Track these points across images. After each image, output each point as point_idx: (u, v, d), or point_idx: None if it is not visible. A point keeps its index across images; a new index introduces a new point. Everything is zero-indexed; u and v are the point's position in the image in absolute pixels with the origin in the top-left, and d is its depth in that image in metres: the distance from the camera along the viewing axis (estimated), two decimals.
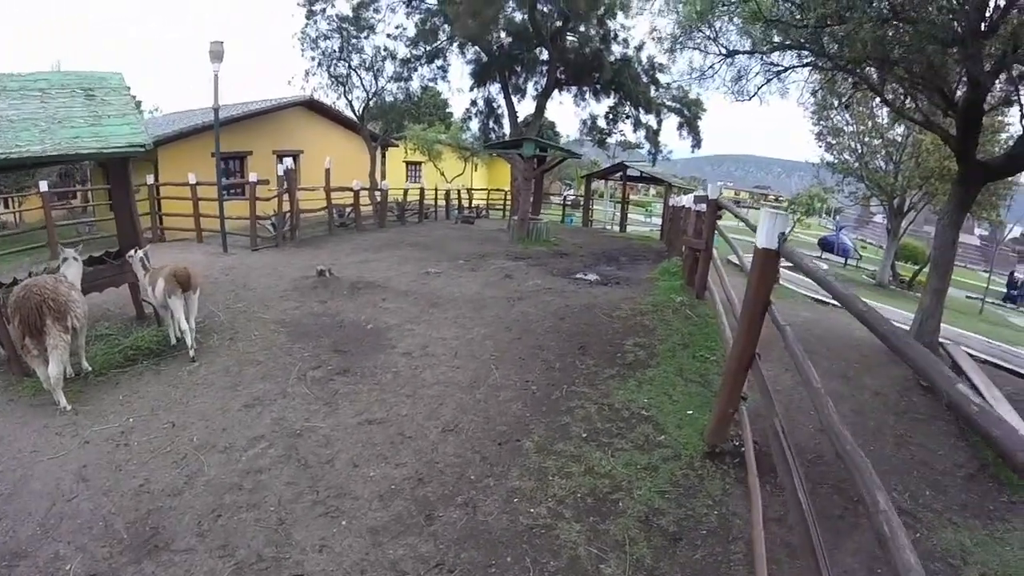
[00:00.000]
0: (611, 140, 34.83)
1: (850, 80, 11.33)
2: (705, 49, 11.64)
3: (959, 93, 9.96)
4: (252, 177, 18.78)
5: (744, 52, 11.01)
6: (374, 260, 15.98)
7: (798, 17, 9.80)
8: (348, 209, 24.36)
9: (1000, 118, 19.74)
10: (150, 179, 20.77)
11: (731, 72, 11.67)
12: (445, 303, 11.52)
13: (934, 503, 6.18)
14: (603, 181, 39.76)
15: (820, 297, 16.77)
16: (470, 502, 5.35)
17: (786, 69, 11.12)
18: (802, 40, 9.65)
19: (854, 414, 7.89)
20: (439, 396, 7.51)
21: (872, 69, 10.40)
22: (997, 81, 9.79)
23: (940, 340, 10.71)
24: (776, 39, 10.39)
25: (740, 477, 5.89)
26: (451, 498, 5.42)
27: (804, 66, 10.98)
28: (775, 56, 10.85)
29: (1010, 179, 25.00)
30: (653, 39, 24.92)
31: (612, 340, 9.44)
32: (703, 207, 11.53)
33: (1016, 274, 44.85)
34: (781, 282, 17.90)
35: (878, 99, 14.00)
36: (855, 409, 8.02)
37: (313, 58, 28.33)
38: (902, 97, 11.56)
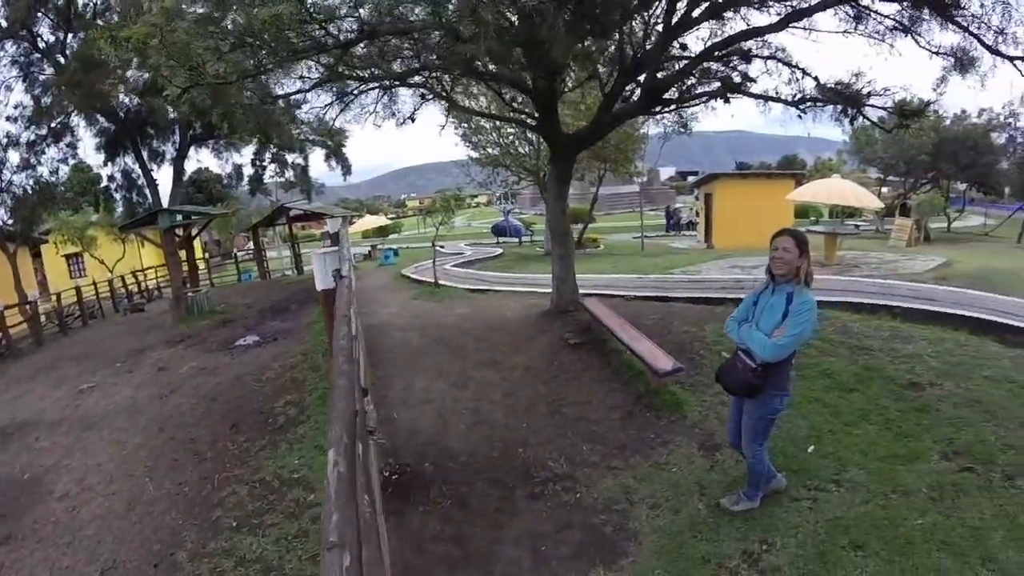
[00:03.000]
0: (269, 183, 33.40)
1: (418, 93, 11.28)
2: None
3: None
4: None
5: (289, 94, 10.52)
6: (27, 392, 13.71)
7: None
8: None
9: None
10: None
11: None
12: (99, 421, 10.22)
13: (592, 456, 6.29)
14: (273, 228, 38.11)
15: (480, 287, 17.34)
16: None
17: (345, 95, 10.79)
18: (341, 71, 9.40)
19: (505, 397, 7.94)
20: (97, 534, 6.64)
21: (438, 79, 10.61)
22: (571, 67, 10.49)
23: (584, 294, 11.25)
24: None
25: (392, 508, 5.61)
26: None
27: (364, 91, 10.70)
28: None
29: (637, 135, 27.75)
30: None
31: (263, 407, 8.93)
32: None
33: (671, 207, 50.70)
34: (441, 281, 18.33)
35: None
36: (506, 392, 8.09)
37: None
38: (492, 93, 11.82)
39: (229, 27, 7.52)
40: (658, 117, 12.89)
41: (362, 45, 8.60)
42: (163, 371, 12.71)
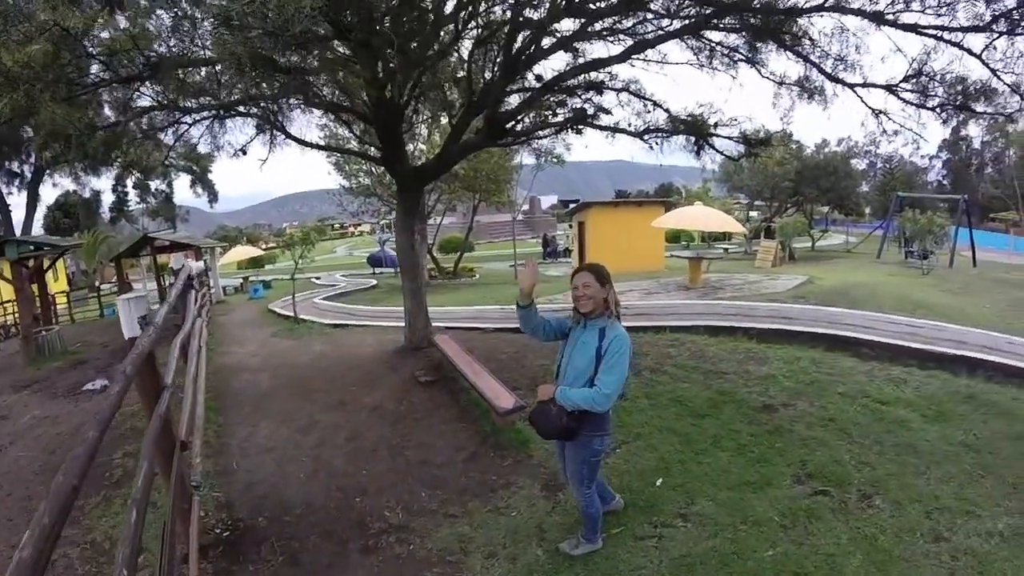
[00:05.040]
0: (135, 210, 31.72)
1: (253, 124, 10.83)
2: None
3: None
4: None
5: (108, 125, 9.77)
6: None
7: None
8: None
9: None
10: None
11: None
12: None
13: (431, 503, 5.83)
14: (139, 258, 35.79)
15: (344, 322, 16.95)
16: None
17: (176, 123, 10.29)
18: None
19: (349, 441, 7.44)
20: None
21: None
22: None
23: (445, 327, 10.96)
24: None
25: (221, 568, 5.14)
26: None
27: (197, 121, 10.17)
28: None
29: (509, 165, 27.91)
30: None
31: (100, 459, 7.98)
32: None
33: (548, 235, 51.24)
34: (306, 316, 17.65)
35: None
36: (351, 436, 7.58)
37: None
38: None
39: None
40: (533, 147, 12.83)
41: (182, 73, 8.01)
42: (5, 420, 11.64)
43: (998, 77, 7.27)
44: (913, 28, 7.18)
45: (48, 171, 27.09)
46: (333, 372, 10.35)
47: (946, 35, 7.18)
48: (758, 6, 7.82)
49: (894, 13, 7.16)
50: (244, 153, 10.52)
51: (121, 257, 31.46)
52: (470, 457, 6.66)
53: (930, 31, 7.20)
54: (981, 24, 6.91)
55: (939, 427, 6.56)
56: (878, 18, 7.19)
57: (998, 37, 6.94)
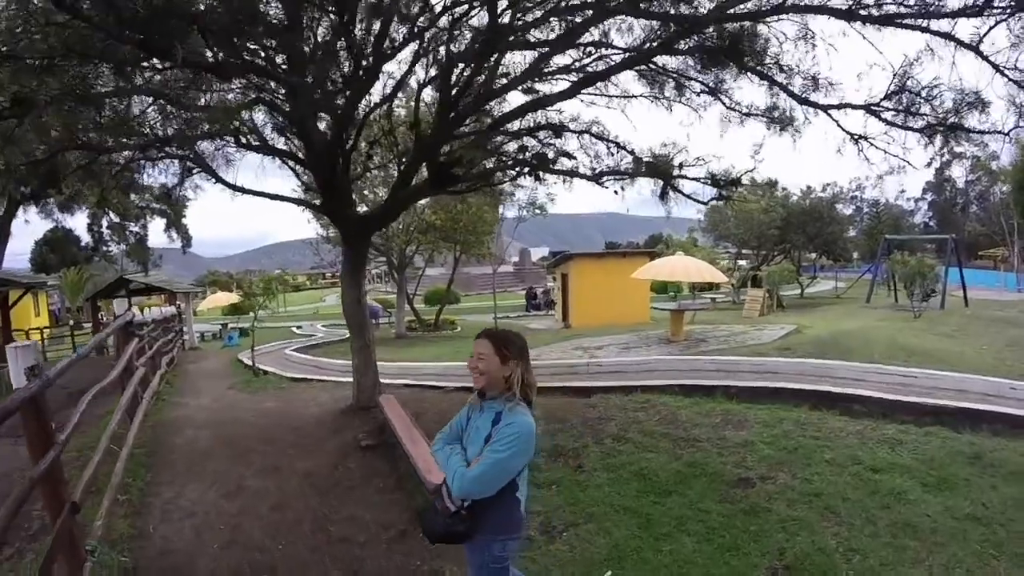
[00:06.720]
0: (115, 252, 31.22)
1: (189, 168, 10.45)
2: None
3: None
4: None
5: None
6: None
7: None
8: None
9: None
10: None
11: None
12: None
13: None
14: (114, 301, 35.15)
15: (306, 376, 16.35)
16: None
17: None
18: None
19: (273, 511, 6.70)
20: None
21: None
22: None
23: (405, 385, 10.50)
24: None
25: None
26: None
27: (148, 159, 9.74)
28: None
29: (488, 217, 27.42)
30: None
31: (22, 510, 7.34)
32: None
33: (534, 288, 50.84)
34: (270, 368, 17.01)
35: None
36: (276, 505, 6.84)
37: None
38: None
39: None
40: (513, 199, 12.48)
41: None
42: None
43: (1002, 73, 6.26)
44: (890, 20, 6.28)
45: (24, 204, 26.47)
46: (274, 432, 9.71)
47: (933, 24, 6.26)
48: (708, 14, 7.04)
49: (866, 7, 6.37)
50: (170, 196, 9.94)
51: (97, 298, 30.89)
52: (398, 536, 5.86)
53: (909, 22, 6.32)
54: (975, 5, 5.97)
55: (941, 497, 5.74)
56: (850, 15, 6.37)
57: (996, 25, 6.05)
